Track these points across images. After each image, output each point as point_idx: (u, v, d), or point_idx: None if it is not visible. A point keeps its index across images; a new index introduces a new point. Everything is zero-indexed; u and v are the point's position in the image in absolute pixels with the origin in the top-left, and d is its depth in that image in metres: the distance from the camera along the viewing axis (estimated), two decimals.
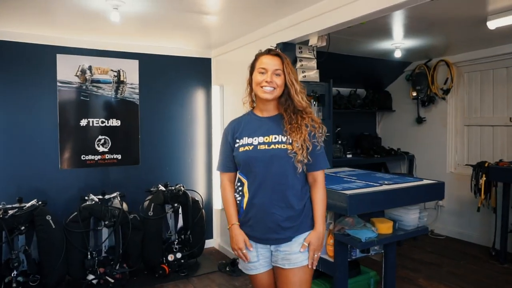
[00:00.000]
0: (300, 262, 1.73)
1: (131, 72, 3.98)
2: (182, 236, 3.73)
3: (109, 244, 3.45)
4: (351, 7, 2.52)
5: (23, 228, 2.99)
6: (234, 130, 1.82)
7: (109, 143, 3.89)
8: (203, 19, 3.15)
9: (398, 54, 4.18)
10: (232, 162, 1.82)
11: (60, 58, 3.64)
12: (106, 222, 3.26)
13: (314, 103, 3.22)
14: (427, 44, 4.07)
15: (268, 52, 1.77)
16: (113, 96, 3.91)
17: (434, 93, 4.79)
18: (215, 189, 4.33)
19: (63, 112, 3.68)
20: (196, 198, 3.90)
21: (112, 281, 3.27)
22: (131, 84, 3.99)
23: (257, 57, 1.79)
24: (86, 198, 3.39)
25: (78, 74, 3.73)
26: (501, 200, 3.84)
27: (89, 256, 3.25)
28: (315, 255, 1.74)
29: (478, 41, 4.03)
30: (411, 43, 3.98)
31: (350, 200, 2.05)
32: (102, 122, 3.87)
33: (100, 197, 3.43)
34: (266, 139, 1.73)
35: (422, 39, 3.88)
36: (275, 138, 1.72)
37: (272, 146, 1.71)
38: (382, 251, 2.45)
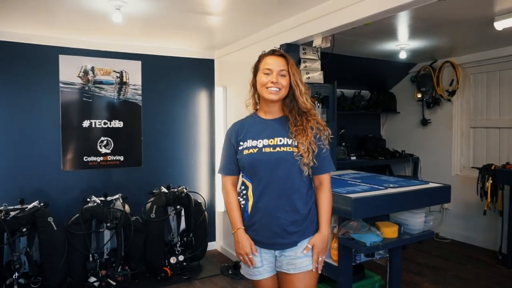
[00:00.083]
0: (305, 266, 1.70)
1: (134, 73, 3.96)
2: (185, 239, 3.71)
3: (111, 246, 3.43)
4: (356, 7, 2.49)
5: (24, 229, 3.00)
6: (238, 132, 1.79)
7: (111, 144, 3.88)
8: (207, 20, 3.12)
9: (403, 55, 4.14)
10: (235, 165, 1.79)
11: (63, 59, 3.63)
12: (108, 224, 3.24)
13: (318, 105, 3.18)
14: (432, 45, 4.03)
15: (273, 53, 1.75)
16: (116, 97, 3.90)
17: (439, 95, 4.74)
18: (218, 191, 4.30)
19: (66, 113, 3.67)
20: (199, 200, 3.88)
21: (114, 283, 3.25)
22: (134, 85, 3.97)
23: (261, 58, 1.76)
24: (88, 199, 3.38)
25: (80, 75, 3.72)
26: (508, 203, 3.80)
27: (91, 258, 3.24)
28: (320, 258, 1.71)
29: (484, 42, 3.98)
30: (416, 44, 3.95)
31: (355, 203, 2.02)
32: (105, 123, 3.85)
33: (102, 199, 3.41)
34: (271, 141, 1.70)
35: (427, 40, 3.84)
36: (280, 140, 1.69)
37: (278, 149, 1.68)
38: (387, 255, 2.42)
